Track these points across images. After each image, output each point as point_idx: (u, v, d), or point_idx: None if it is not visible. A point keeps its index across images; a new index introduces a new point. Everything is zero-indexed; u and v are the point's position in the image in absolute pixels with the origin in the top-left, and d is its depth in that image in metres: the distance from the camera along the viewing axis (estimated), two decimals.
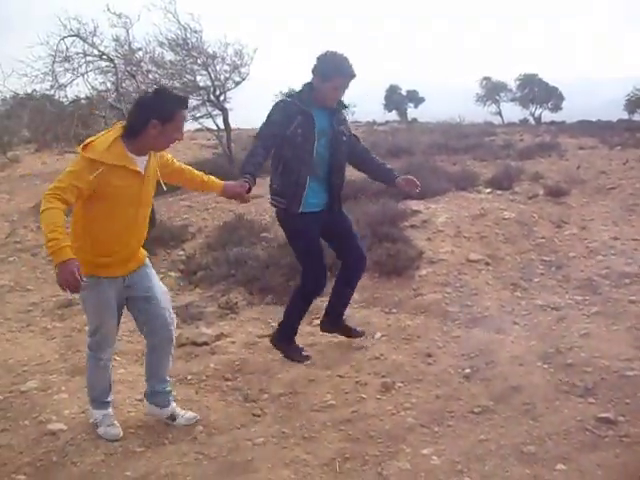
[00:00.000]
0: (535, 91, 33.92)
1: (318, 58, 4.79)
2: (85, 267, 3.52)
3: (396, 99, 34.37)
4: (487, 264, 7.03)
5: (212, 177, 4.29)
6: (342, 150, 4.97)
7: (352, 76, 4.78)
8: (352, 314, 5.94)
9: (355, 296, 6.40)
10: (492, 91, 34.97)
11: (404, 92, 34.61)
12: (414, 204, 8.65)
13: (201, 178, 4.22)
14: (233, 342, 5.56)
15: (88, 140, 3.59)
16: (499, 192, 9.72)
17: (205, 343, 5.56)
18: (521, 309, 5.81)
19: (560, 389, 4.15)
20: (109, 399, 4.12)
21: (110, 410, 4.10)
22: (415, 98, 34.64)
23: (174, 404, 4.18)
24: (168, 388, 4.17)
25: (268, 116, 4.86)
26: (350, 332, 5.34)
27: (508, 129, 19.83)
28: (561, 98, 34.12)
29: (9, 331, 6.33)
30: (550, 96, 33.94)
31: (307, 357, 5.08)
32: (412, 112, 33.72)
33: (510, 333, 5.26)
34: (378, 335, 5.43)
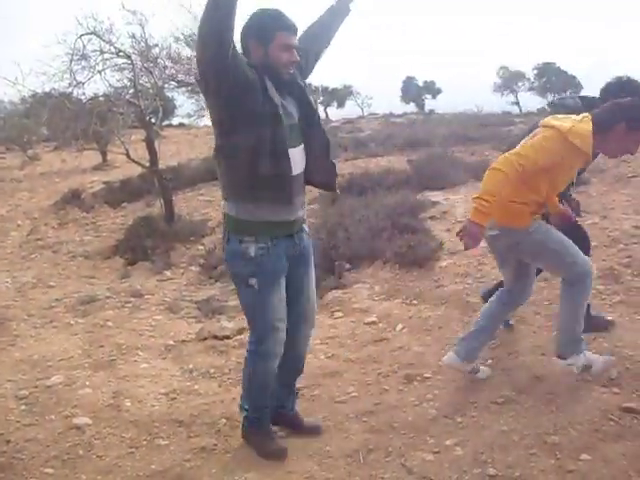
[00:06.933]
0: (553, 80, 33.74)
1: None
2: None
3: (413, 91, 34.31)
4: None
5: None
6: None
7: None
8: (373, 306, 5.94)
9: (376, 288, 6.41)
10: (510, 80, 34.82)
11: (420, 83, 34.53)
12: (433, 195, 8.64)
13: None
14: None
15: (569, 123, 3.73)
16: None
17: (227, 337, 5.60)
18: (543, 299, 5.76)
19: (583, 379, 4.13)
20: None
21: None
22: (432, 89, 34.57)
23: None
24: None
25: None
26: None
27: (526, 119, 19.71)
28: (579, 87, 33.87)
29: (33, 327, 6.40)
30: (568, 85, 33.72)
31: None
32: (430, 103, 33.62)
33: (528, 322, 5.23)
34: (399, 327, 5.42)
